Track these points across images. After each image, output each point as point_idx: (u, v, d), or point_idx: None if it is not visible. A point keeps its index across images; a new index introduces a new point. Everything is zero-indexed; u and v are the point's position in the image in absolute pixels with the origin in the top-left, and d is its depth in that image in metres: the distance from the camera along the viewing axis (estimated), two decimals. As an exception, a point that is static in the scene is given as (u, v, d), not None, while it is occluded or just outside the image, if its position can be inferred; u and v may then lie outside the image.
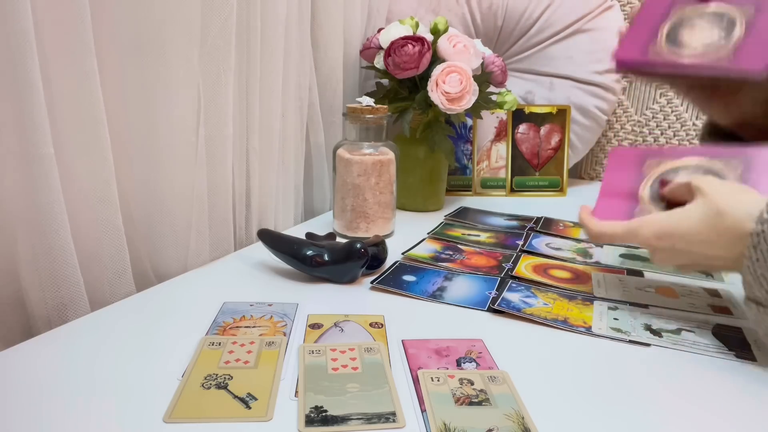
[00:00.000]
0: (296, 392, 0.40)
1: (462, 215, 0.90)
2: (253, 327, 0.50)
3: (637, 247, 0.76)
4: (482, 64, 0.90)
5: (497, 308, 0.55)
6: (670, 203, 0.52)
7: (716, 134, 0.63)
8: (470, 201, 1.02)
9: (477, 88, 0.83)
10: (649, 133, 1.19)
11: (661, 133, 1.18)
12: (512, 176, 1.09)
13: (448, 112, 0.83)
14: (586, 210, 0.57)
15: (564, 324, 0.52)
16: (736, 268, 0.45)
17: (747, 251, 0.43)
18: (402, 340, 0.49)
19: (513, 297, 0.58)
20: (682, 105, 1.15)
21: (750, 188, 0.48)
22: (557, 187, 1.10)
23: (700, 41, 0.54)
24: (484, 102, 0.89)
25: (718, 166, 0.53)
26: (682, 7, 0.56)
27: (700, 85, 0.60)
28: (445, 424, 0.37)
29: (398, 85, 0.88)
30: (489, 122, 1.08)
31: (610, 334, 0.51)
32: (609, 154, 0.64)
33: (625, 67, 0.59)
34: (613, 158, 0.60)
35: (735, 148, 0.54)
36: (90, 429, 0.36)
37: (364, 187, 0.74)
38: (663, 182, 0.55)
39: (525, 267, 0.67)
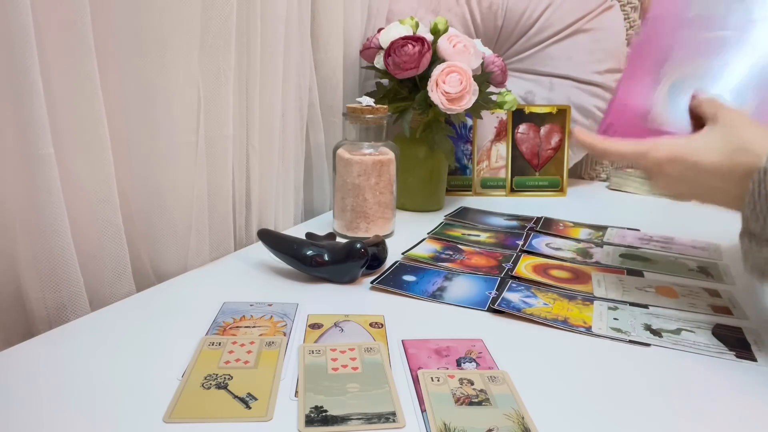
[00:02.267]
0: (296, 392, 0.40)
1: (462, 215, 0.90)
2: (253, 327, 0.50)
3: (637, 247, 0.76)
4: (482, 64, 0.90)
5: (497, 308, 0.55)
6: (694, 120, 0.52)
7: None
8: (470, 201, 1.02)
9: (477, 88, 0.83)
10: (649, 133, 1.19)
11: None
12: (512, 176, 1.09)
13: (448, 112, 0.83)
14: (582, 131, 0.56)
15: (564, 324, 0.52)
16: (734, 204, 0.45)
17: (750, 185, 0.43)
18: (402, 340, 0.49)
19: (513, 297, 0.58)
20: (682, 105, 1.14)
21: None
22: (557, 187, 1.10)
23: None
24: (484, 102, 0.89)
25: None
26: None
27: None
28: (445, 424, 0.37)
29: (398, 85, 0.88)
30: (489, 122, 1.08)
31: (610, 334, 0.51)
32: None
33: None
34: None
35: None
36: (90, 429, 0.36)
37: (364, 187, 0.74)
38: (693, 95, 0.54)
39: (525, 267, 0.67)
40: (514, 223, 0.87)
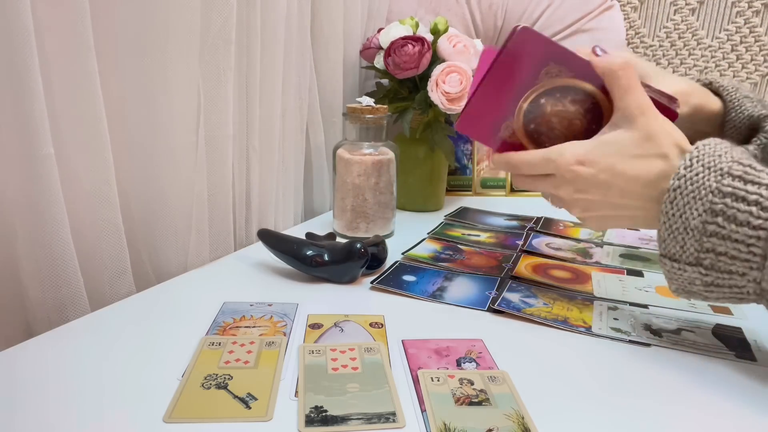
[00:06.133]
0: (296, 392, 0.40)
1: (462, 215, 0.90)
2: (253, 327, 0.50)
3: (637, 248, 0.76)
4: (482, 64, 0.90)
5: (497, 308, 0.55)
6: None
7: None
8: (470, 201, 1.02)
9: (477, 88, 0.83)
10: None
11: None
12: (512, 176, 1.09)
13: (448, 112, 0.83)
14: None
15: (564, 324, 0.52)
16: (651, 221, 0.44)
17: (663, 207, 0.42)
18: (402, 340, 0.49)
19: (513, 297, 0.58)
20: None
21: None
22: (557, 187, 1.10)
23: None
24: (484, 102, 0.89)
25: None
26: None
27: None
28: (445, 424, 0.37)
29: (398, 85, 0.88)
30: (489, 122, 1.08)
31: (610, 334, 0.51)
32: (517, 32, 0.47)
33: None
34: (518, 41, 0.47)
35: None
36: (90, 429, 0.36)
37: (364, 187, 0.74)
38: (595, 50, 0.48)
39: (525, 267, 0.67)
40: (514, 223, 0.87)
